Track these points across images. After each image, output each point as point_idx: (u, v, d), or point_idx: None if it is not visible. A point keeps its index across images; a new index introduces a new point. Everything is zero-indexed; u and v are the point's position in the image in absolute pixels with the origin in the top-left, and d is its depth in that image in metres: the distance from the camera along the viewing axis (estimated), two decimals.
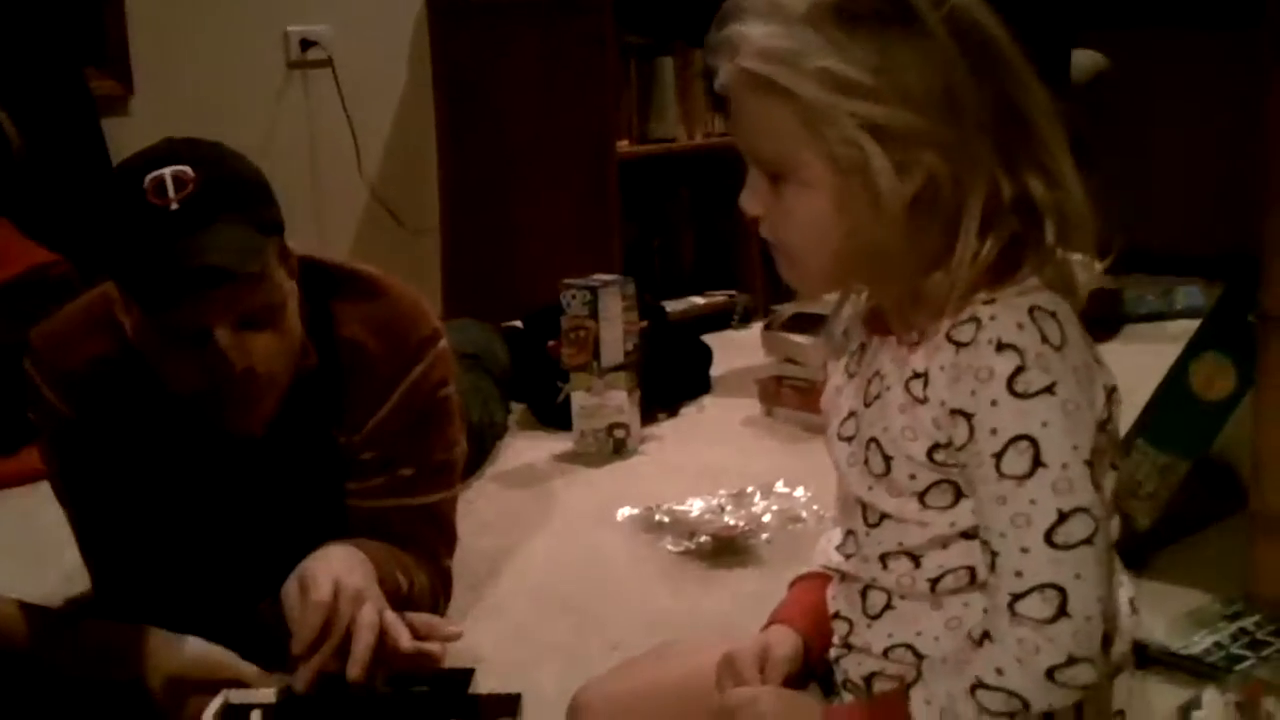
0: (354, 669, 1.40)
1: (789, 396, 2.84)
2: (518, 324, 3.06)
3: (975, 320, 1.02)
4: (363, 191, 3.65)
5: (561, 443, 2.74)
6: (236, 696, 1.38)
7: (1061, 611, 0.99)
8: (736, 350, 3.33)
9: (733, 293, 3.83)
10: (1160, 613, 1.72)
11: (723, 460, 2.59)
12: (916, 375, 1.05)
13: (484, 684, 1.44)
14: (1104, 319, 3.30)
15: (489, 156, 3.67)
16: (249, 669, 1.49)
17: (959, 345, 1.02)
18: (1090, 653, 1.00)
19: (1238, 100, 2.30)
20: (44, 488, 1.86)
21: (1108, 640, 1.01)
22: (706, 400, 3.06)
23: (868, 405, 1.10)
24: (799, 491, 2.24)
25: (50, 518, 1.86)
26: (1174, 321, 3.40)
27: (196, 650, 1.51)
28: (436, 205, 3.78)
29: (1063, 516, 0.99)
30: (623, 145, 3.56)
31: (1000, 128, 1.02)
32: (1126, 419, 1.53)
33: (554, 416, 2.81)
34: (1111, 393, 1.06)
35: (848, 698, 1.15)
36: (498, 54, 3.61)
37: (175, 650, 1.51)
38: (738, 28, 1.03)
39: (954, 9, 1.01)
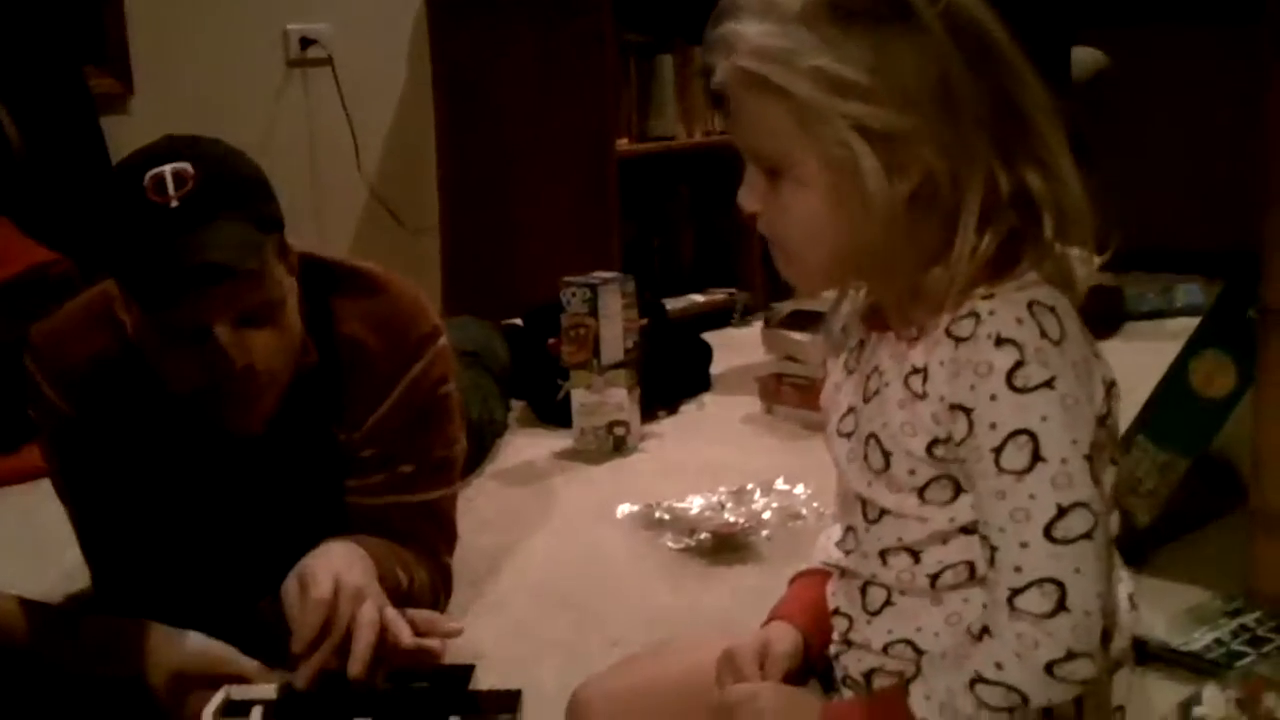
0: (355, 667, 1.40)
1: (789, 394, 2.84)
2: (517, 322, 3.06)
3: (974, 315, 1.02)
4: (362, 190, 3.65)
5: (561, 440, 2.74)
6: (237, 693, 1.38)
7: (1061, 606, 0.99)
8: (736, 348, 3.33)
9: (732, 290, 3.83)
10: (1160, 610, 1.72)
11: (723, 457, 2.59)
12: (915, 370, 1.05)
13: (484, 680, 1.44)
14: (1104, 316, 3.30)
15: (488, 154, 3.68)
16: (250, 664, 1.49)
17: (958, 340, 1.02)
18: (1089, 648, 1.00)
19: (1238, 97, 2.30)
20: (45, 485, 1.86)
21: (1107, 635, 1.01)
22: (706, 398, 3.07)
23: (867, 401, 1.10)
24: (799, 489, 2.24)
25: (51, 515, 1.86)
26: (1174, 319, 3.40)
27: (197, 646, 1.51)
28: (436, 203, 3.78)
29: (1062, 511, 0.99)
30: (622, 143, 3.56)
31: (997, 123, 1.02)
32: (1126, 417, 1.53)
33: (554, 414, 2.81)
34: (1110, 387, 1.06)
35: (847, 694, 1.15)
36: (497, 52, 3.61)
37: (176, 646, 1.51)
38: (733, 26, 1.03)
39: (950, 4, 1.01)
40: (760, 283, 3.76)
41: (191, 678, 1.48)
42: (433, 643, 1.50)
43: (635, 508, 2.26)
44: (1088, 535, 0.99)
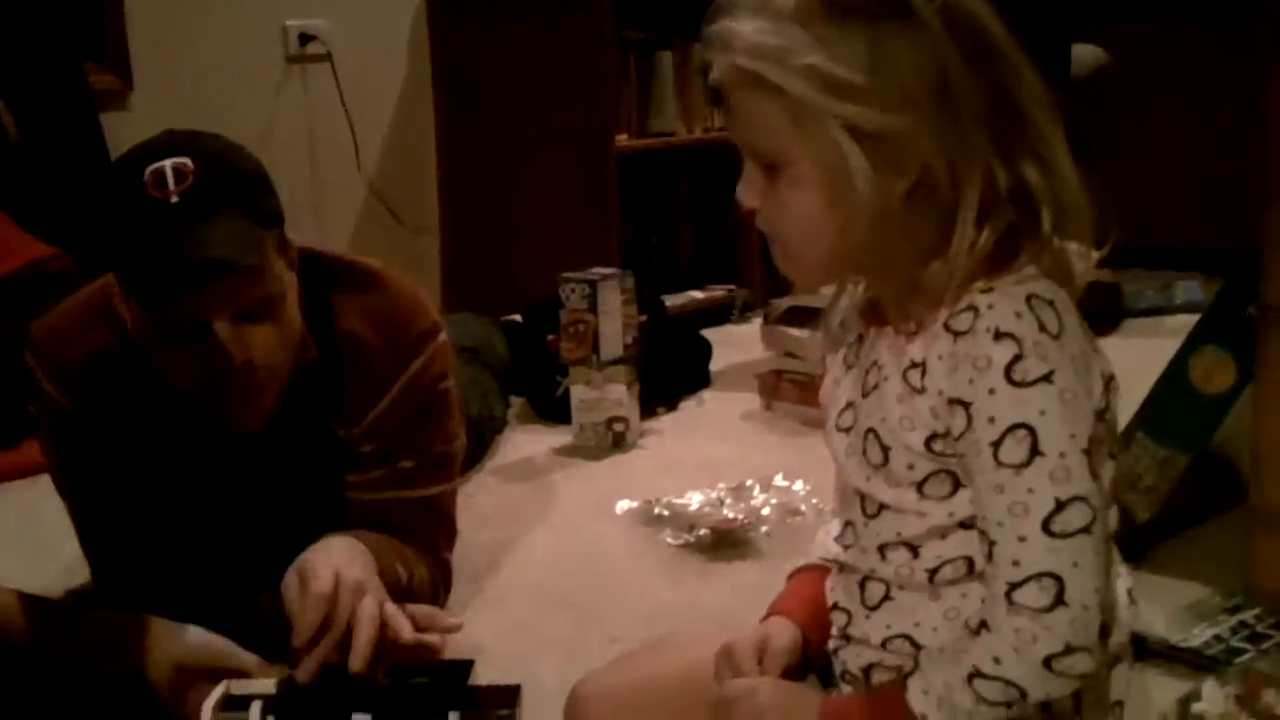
0: (356, 662, 1.40)
1: (788, 391, 2.84)
2: (517, 318, 3.07)
3: (973, 309, 1.02)
4: (361, 187, 3.65)
5: (561, 436, 2.74)
6: (237, 687, 1.38)
7: (1059, 600, 0.99)
8: (736, 345, 3.33)
9: (732, 287, 3.83)
10: (1160, 606, 1.72)
11: (722, 454, 2.60)
12: (914, 365, 1.05)
13: (483, 676, 1.44)
14: (1103, 313, 3.29)
15: (488, 151, 3.67)
16: (250, 659, 1.50)
17: (957, 334, 1.02)
18: (1087, 642, 1.00)
19: (1238, 95, 2.30)
20: (45, 481, 1.86)
21: (1105, 630, 1.01)
22: (706, 394, 3.07)
23: (865, 396, 1.10)
24: (798, 485, 2.24)
25: (51, 511, 1.87)
26: (1173, 316, 3.40)
27: (197, 640, 1.51)
28: (435, 200, 3.78)
29: (1060, 505, 0.99)
30: (622, 140, 3.56)
31: (995, 118, 1.02)
32: (1125, 414, 1.53)
33: (553, 410, 2.81)
34: (1109, 381, 1.06)
35: (846, 689, 1.15)
36: (497, 49, 3.61)
37: (176, 640, 1.51)
38: (729, 23, 1.03)
39: (946, 0, 1.01)
40: (760, 279, 3.76)
41: (191, 672, 1.48)
42: (433, 638, 1.50)
43: (635, 504, 2.26)
44: (1086, 529, 0.99)
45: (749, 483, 2.27)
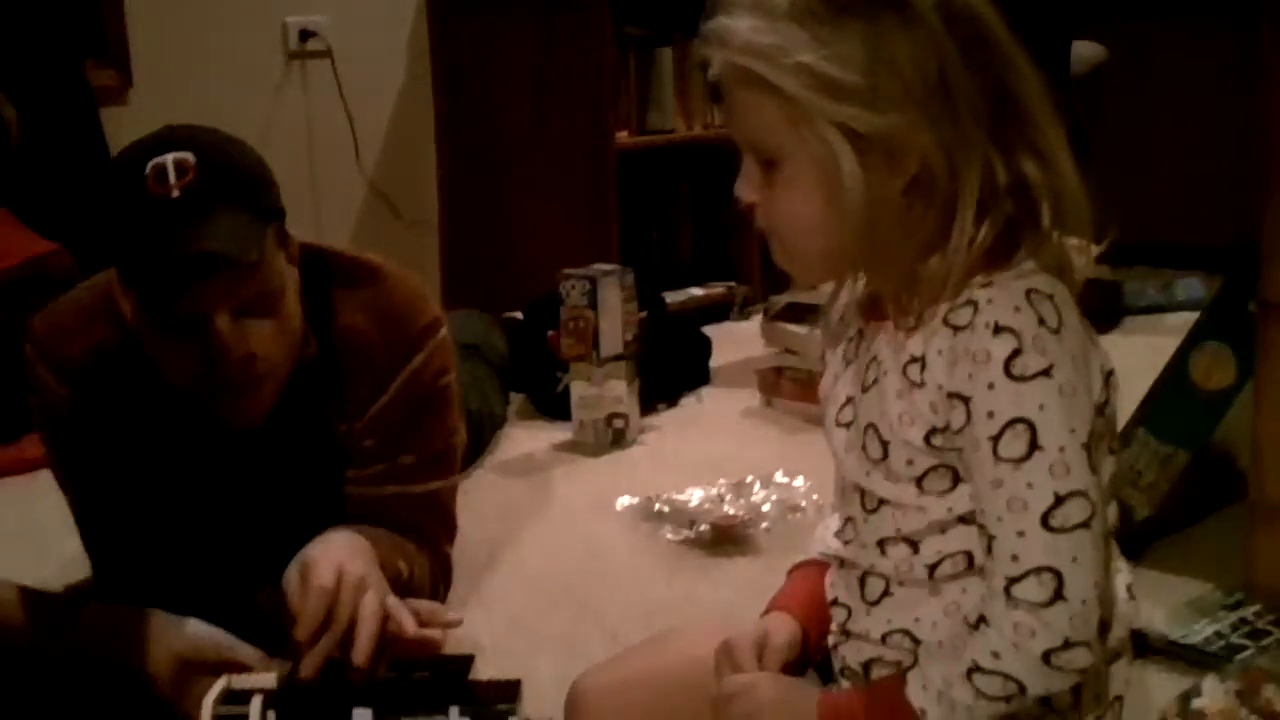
0: (359, 657, 1.40)
1: (788, 387, 2.84)
2: (517, 315, 3.06)
3: (972, 304, 1.02)
4: (361, 183, 3.65)
5: (560, 433, 2.74)
6: (238, 681, 1.38)
7: (1058, 595, 0.99)
8: (736, 341, 3.33)
9: (731, 284, 3.83)
10: (1160, 602, 1.72)
11: (722, 450, 2.60)
12: (914, 360, 1.05)
13: (483, 672, 1.44)
14: (1103, 311, 3.29)
15: (488, 148, 3.67)
16: (251, 653, 1.49)
17: (956, 329, 1.02)
18: (1087, 637, 1.00)
19: (1237, 92, 2.30)
20: (44, 476, 1.86)
21: (1104, 625, 1.02)
22: (705, 391, 3.06)
23: (865, 391, 1.10)
24: (798, 481, 2.24)
25: (50, 505, 1.87)
26: (1173, 314, 3.39)
27: (198, 633, 1.51)
28: (435, 197, 3.78)
29: (1059, 500, 0.99)
30: (621, 137, 3.56)
31: (994, 113, 1.02)
32: (1125, 411, 1.53)
33: (553, 407, 2.81)
34: (1109, 376, 1.07)
35: (846, 684, 1.15)
36: (497, 45, 3.61)
37: (177, 634, 1.51)
38: (725, 20, 1.04)
39: None
40: (759, 276, 3.75)
41: (192, 665, 1.48)
42: (434, 633, 1.50)
43: (634, 500, 2.26)
44: (1085, 524, 1.00)
45: (749, 479, 2.27)
